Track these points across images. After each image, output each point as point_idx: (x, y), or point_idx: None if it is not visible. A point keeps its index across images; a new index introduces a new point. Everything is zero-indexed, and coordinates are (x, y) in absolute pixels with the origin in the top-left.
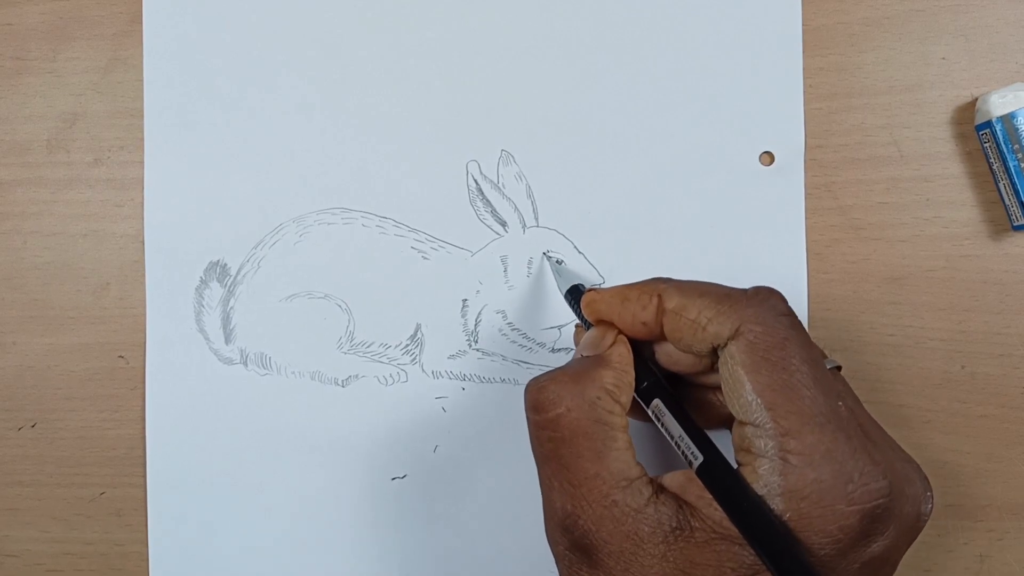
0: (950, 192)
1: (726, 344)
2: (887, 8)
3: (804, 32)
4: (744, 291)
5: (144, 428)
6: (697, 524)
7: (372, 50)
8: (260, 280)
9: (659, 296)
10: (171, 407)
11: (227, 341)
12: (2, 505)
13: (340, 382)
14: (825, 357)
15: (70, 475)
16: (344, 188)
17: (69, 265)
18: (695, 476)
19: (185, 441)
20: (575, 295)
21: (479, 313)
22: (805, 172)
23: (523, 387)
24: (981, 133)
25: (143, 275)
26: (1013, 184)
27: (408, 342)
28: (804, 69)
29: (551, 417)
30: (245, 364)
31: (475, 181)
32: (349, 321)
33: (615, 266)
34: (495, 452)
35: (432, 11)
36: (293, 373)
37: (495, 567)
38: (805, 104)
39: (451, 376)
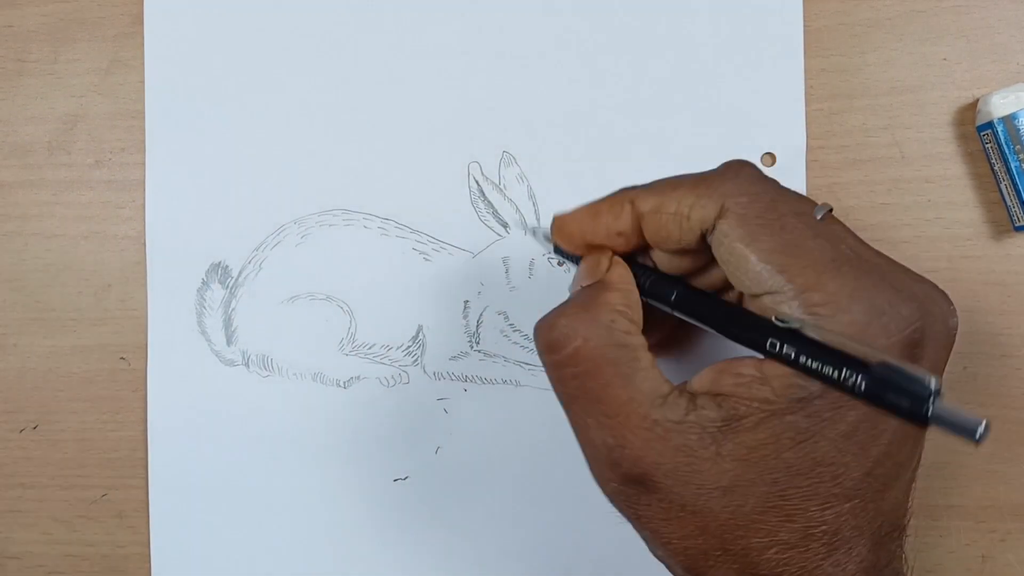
0: (952, 193)
1: (714, 226)
2: (888, 9)
3: (805, 33)
4: (715, 170)
5: (146, 430)
6: (742, 410)
7: (373, 52)
8: (262, 281)
9: (631, 203)
10: (173, 409)
11: (228, 342)
12: (4, 507)
13: (342, 383)
14: (815, 205)
15: (72, 477)
16: (345, 189)
17: (70, 267)
18: (723, 366)
19: (187, 443)
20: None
21: (481, 314)
22: (807, 173)
23: (525, 388)
24: (983, 134)
25: (144, 277)
26: (1015, 185)
27: (410, 343)
28: (805, 70)
29: (569, 352)
30: (247, 366)
31: (476, 182)
32: (351, 322)
33: None
34: (497, 453)
35: (433, 13)
36: (295, 374)
37: (497, 568)
38: (806, 105)
39: (453, 377)
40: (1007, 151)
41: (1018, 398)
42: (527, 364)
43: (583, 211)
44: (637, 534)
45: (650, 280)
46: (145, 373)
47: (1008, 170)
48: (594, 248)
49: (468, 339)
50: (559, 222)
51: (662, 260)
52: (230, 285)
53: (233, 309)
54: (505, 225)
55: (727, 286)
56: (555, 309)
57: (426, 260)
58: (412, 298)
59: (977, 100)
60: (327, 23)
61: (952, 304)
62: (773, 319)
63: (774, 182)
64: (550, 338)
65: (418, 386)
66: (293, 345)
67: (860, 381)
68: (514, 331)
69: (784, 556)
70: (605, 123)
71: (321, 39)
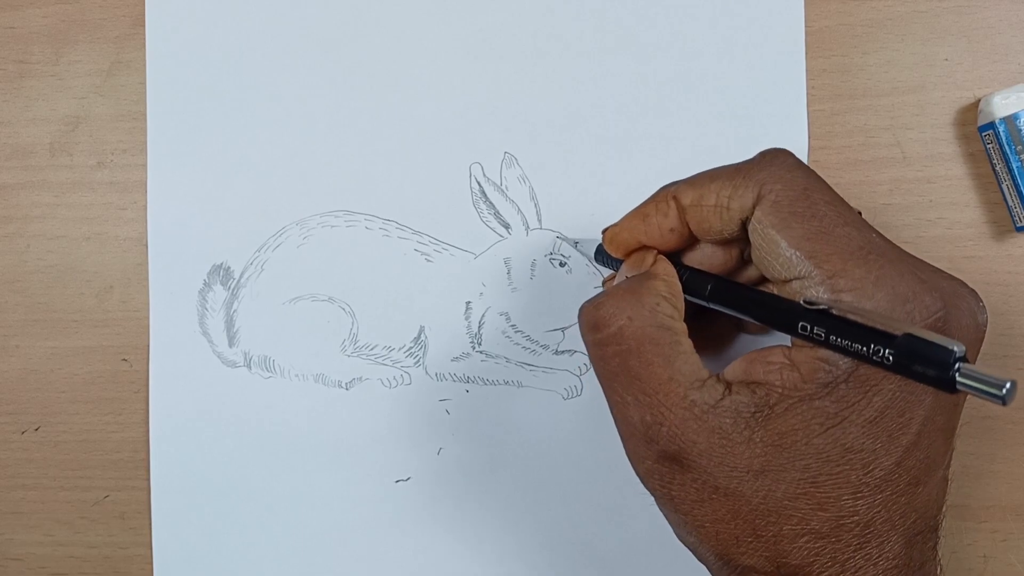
0: (953, 193)
1: (751, 213)
2: (890, 10)
3: (807, 34)
4: (752, 159)
5: (147, 431)
6: (773, 398)
7: (374, 53)
8: (263, 283)
9: (673, 198)
10: (174, 410)
11: (231, 344)
12: (6, 508)
13: (344, 385)
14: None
15: (73, 478)
16: (347, 191)
17: (72, 268)
18: (754, 356)
19: (189, 444)
20: (599, 250)
21: (482, 315)
22: None
23: (527, 389)
24: (984, 134)
25: (146, 278)
26: (1016, 185)
27: (412, 344)
28: (807, 71)
29: (614, 331)
30: (249, 367)
31: (478, 183)
32: (353, 324)
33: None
34: (499, 454)
35: (435, 14)
36: (297, 376)
37: (498, 569)
38: (808, 106)
39: (455, 378)
40: (1008, 151)
41: (1020, 398)
42: (529, 365)
43: (632, 217)
44: (668, 522)
45: (687, 274)
46: (147, 374)
47: (1009, 170)
48: (638, 249)
49: (470, 340)
50: (612, 233)
51: (699, 261)
52: (232, 286)
53: (235, 310)
54: (507, 226)
55: (759, 282)
56: (600, 293)
57: (428, 261)
58: (414, 299)
59: (979, 100)
60: (329, 24)
61: (981, 301)
62: (802, 302)
63: (809, 170)
64: (596, 316)
65: (420, 387)
66: (295, 346)
67: (887, 353)
68: (516, 332)
69: (815, 545)
70: (607, 124)
71: (323, 40)
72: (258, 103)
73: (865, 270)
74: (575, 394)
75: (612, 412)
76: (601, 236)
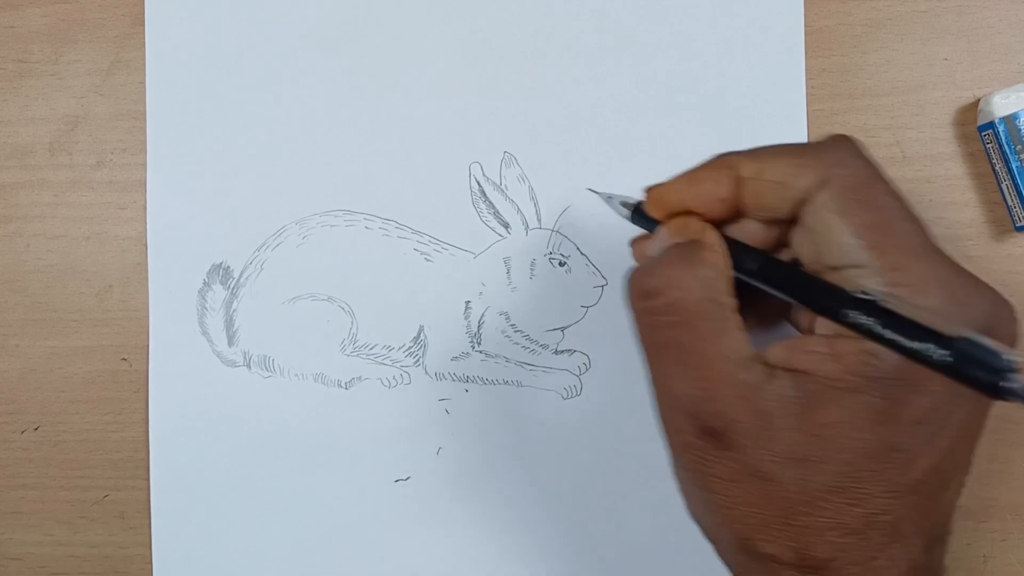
0: (953, 193)
1: (812, 196)
2: (889, 9)
3: (807, 33)
4: (819, 141)
5: (147, 431)
6: (815, 387)
7: (374, 52)
8: (263, 282)
9: (732, 168)
10: (174, 410)
11: (230, 343)
12: (5, 508)
13: (343, 384)
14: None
15: (73, 478)
16: (347, 190)
17: (72, 268)
18: (794, 343)
19: (188, 443)
20: (637, 209)
21: (482, 315)
22: None
23: (526, 389)
24: (984, 134)
25: (146, 277)
26: (1016, 185)
27: (411, 344)
28: (807, 70)
29: (669, 301)
30: (248, 366)
31: (478, 183)
32: (352, 323)
33: (618, 268)
34: (498, 454)
35: (434, 14)
36: (296, 375)
37: (498, 569)
38: (808, 105)
39: (454, 378)
40: (1008, 151)
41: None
42: (528, 365)
43: (683, 180)
44: (687, 499)
45: (734, 248)
46: (147, 374)
47: (1009, 170)
48: (681, 214)
49: (469, 339)
50: (657, 192)
51: (739, 236)
52: (231, 286)
53: (235, 310)
54: (506, 225)
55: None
56: (649, 261)
57: (427, 261)
58: (413, 299)
59: (978, 100)
60: (328, 24)
61: (1016, 312)
62: (857, 292)
63: (873, 160)
64: (648, 284)
65: (419, 387)
66: (295, 346)
67: (944, 354)
68: (515, 331)
69: (843, 541)
70: (606, 123)
71: (322, 40)
72: (258, 102)
73: (925, 267)
74: (574, 394)
75: (653, 382)
76: (644, 194)
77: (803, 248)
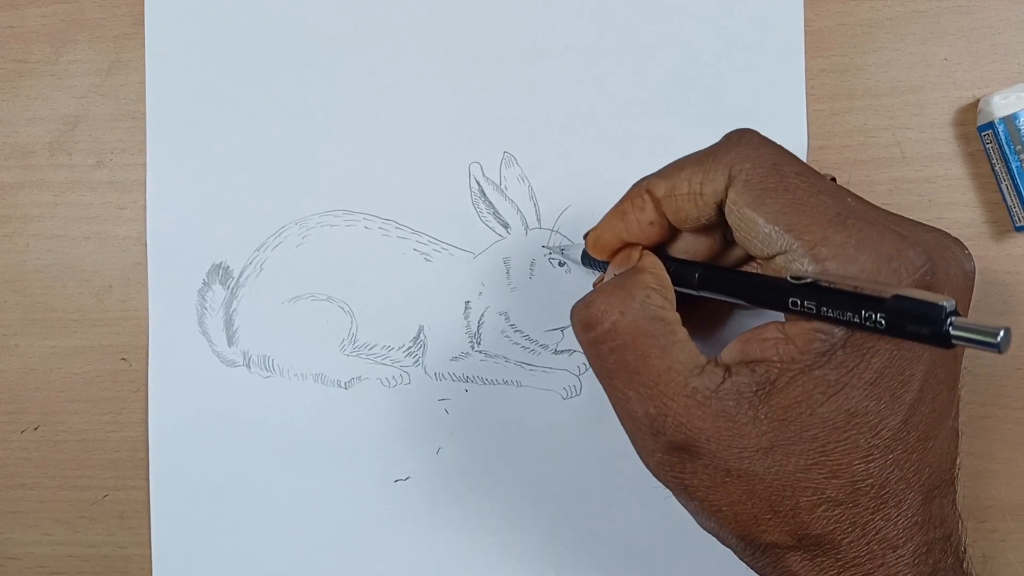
0: (952, 193)
1: (725, 196)
2: (889, 9)
3: (806, 33)
4: (719, 143)
5: (147, 431)
6: (773, 373)
7: (374, 52)
8: (263, 282)
9: (647, 191)
10: (174, 409)
11: (230, 343)
12: (5, 508)
13: (343, 384)
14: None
15: (73, 478)
16: (346, 190)
17: (71, 267)
18: (748, 336)
19: (188, 443)
20: (585, 254)
21: (482, 315)
22: None
23: (526, 389)
24: (983, 134)
25: (146, 277)
26: (1015, 185)
27: (411, 344)
28: (806, 70)
29: (607, 327)
30: (248, 366)
31: (477, 183)
32: (352, 323)
33: None
34: (498, 454)
35: (434, 13)
36: (296, 375)
37: (498, 569)
38: (807, 105)
39: (454, 378)
40: (1008, 151)
41: (1019, 398)
42: (528, 365)
43: (610, 218)
44: (687, 511)
45: (673, 265)
46: (146, 374)
47: (1009, 170)
48: (622, 248)
49: (469, 340)
50: (593, 237)
51: (684, 250)
52: (231, 286)
53: (234, 310)
54: (506, 225)
55: (744, 262)
56: (586, 295)
57: (427, 261)
58: (413, 299)
59: (978, 100)
60: (328, 24)
61: (967, 249)
62: (788, 278)
63: (776, 146)
64: (587, 315)
65: (419, 387)
66: (294, 346)
67: (879, 317)
68: (515, 331)
69: (834, 513)
70: (606, 123)
71: (322, 40)
72: (257, 102)
73: (845, 235)
74: (574, 393)
75: (615, 409)
76: (584, 241)
77: (741, 244)
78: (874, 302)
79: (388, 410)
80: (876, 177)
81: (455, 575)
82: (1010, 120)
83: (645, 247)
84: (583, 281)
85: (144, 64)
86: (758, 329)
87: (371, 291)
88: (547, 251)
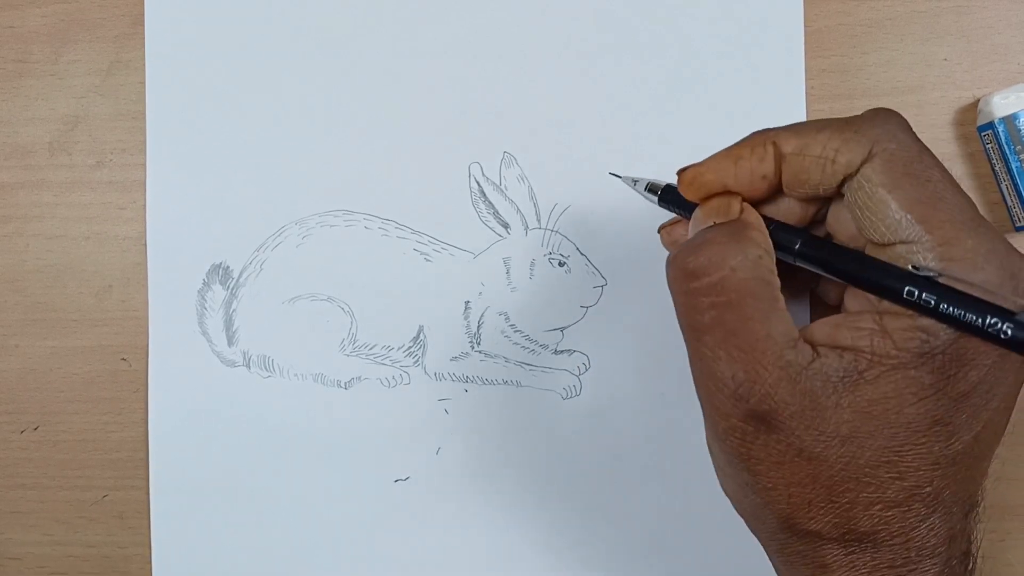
0: None
1: (858, 171)
2: (889, 9)
3: (806, 33)
4: (863, 115)
5: (147, 431)
6: (863, 364)
7: (374, 52)
8: (263, 282)
9: (773, 143)
10: (174, 410)
11: (230, 343)
12: (5, 508)
13: (343, 384)
14: None
15: (72, 478)
16: (346, 190)
17: (71, 268)
18: (839, 320)
19: (188, 443)
20: (666, 192)
21: (481, 315)
22: None
23: (526, 389)
24: (983, 134)
25: (145, 277)
26: (1015, 185)
27: (411, 344)
28: (806, 70)
29: (715, 280)
30: (248, 366)
31: (477, 183)
32: (352, 323)
33: (618, 267)
34: (498, 454)
35: (434, 13)
36: (296, 375)
37: (498, 569)
38: (807, 105)
39: (453, 378)
40: (1008, 151)
41: (1019, 398)
42: (528, 365)
43: (721, 158)
44: (726, 482)
45: (773, 227)
46: (146, 374)
47: (1009, 170)
48: (718, 194)
49: (469, 340)
50: (695, 173)
51: (775, 214)
52: (231, 286)
53: (234, 310)
54: (506, 225)
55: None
56: (693, 240)
57: (427, 261)
58: (413, 299)
59: (978, 100)
60: (328, 24)
61: None
62: (910, 267)
63: (917, 137)
64: (695, 263)
65: (419, 387)
66: (294, 346)
67: (1006, 327)
68: (515, 331)
69: (887, 514)
70: (606, 123)
71: (322, 40)
72: (257, 102)
73: (977, 241)
74: (574, 394)
75: (695, 366)
76: (676, 176)
77: (839, 226)
78: (1003, 312)
79: (388, 410)
80: None
81: (455, 575)
82: (1010, 120)
83: (746, 197)
84: (583, 281)
85: (144, 64)
86: (851, 316)
87: (371, 291)
88: (628, 180)
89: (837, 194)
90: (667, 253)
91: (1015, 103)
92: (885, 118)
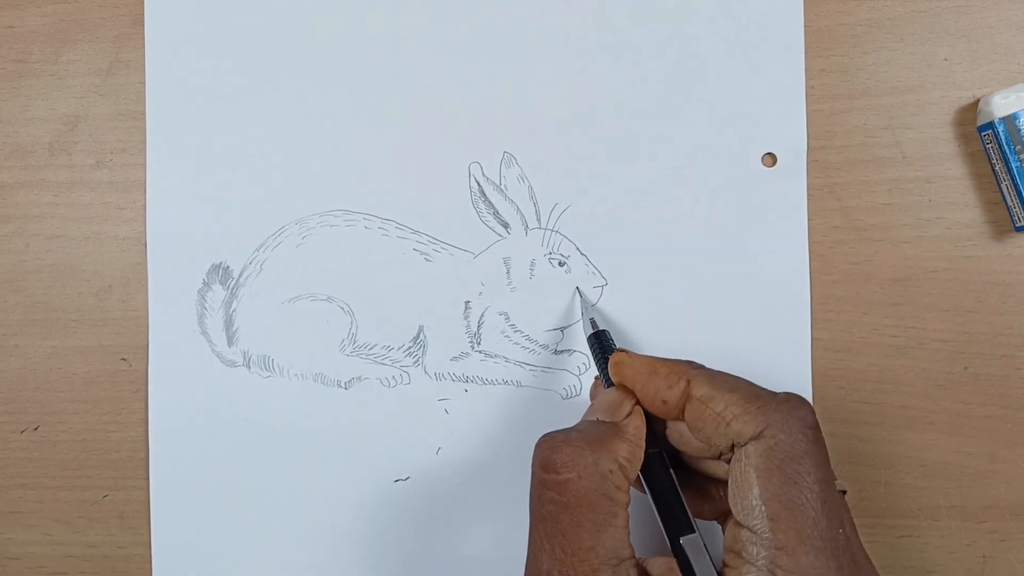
0: (952, 193)
1: (745, 444)
2: (889, 9)
3: (806, 33)
4: (775, 395)
5: (147, 431)
6: None
7: (374, 52)
8: (263, 282)
9: (688, 381)
10: (174, 409)
11: (230, 343)
12: (5, 508)
13: (343, 384)
14: (835, 479)
15: (73, 478)
16: (346, 190)
17: (71, 268)
18: (676, 567)
19: (188, 443)
20: (601, 341)
21: (481, 315)
22: (807, 173)
23: (526, 388)
24: (983, 134)
25: (145, 277)
26: (1015, 185)
27: (411, 344)
28: (806, 70)
29: (560, 480)
30: (248, 366)
31: (477, 183)
32: (352, 323)
33: (617, 268)
34: (497, 454)
35: (434, 13)
36: (296, 375)
37: (497, 569)
38: (807, 105)
39: (453, 378)
40: (1008, 151)
41: (1018, 398)
42: (528, 365)
43: (644, 364)
44: None
45: (650, 453)
46: (146, 374)
47: (1009, 170)
48: (624, 385)
49: (469, 339)
50: (618, 359)
51: (685, 432)
52: (231, 286)
53: (234, 310)
54: (506, 225)
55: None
56: (563, 431)
57: (427, 261)
58: (413, 299)
59: (978, 100)
60: (328, 24)
61: None
62: (742, 554)
63: (818, 435)
64: (549, 458)
65: (419, 387)
66: (294, 346)
67: None
68: (515, 332)
69: None
70: (606, 123)
71: (322, 40)
72: (257, 102)
73: (811, 561)
74: (574, 393)
75: (529, 545)
76: (609, 340)
77: (729, 494)
78: None
79: (388, 410)
80: (876, 177)
81: (455, 574)
82: (1010, 120)
83: (643, 406)
84: (583, 281)
85: (144, 64)
86: (653, 559)
87: (371, 291)
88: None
89: (730, 453)
90: (668, 252)
91: (1015, 103)
92: (792, 407)
